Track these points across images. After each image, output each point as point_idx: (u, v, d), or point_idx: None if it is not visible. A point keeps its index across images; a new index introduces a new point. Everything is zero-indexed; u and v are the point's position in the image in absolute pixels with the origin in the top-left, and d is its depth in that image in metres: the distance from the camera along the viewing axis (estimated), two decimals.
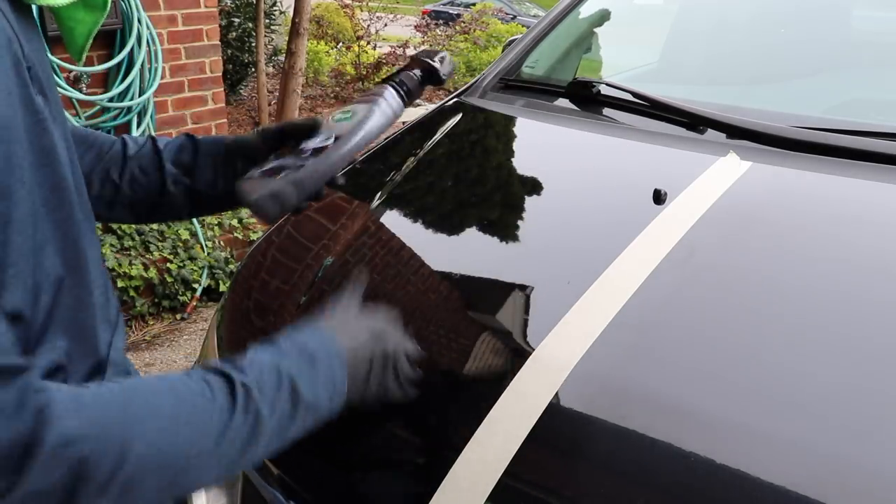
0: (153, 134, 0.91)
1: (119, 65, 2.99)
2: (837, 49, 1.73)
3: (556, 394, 0.86)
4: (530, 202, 1.42)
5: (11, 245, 0.54)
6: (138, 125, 3.09)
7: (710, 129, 1.41)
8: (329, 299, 0.86)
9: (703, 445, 0.78)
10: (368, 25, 6.33)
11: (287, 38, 5.12)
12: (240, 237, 3.48)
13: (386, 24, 6.55)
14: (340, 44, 7.33)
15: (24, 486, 0.50)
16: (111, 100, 2.95)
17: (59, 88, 2.72)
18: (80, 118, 2.90)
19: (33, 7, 0.64)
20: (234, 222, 3.47)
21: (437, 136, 1.68)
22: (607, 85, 1.65)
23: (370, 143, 0.90)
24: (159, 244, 3.12)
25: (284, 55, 5.15)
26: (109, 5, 0.73)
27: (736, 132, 1.37)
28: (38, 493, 0.52)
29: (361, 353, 0.77)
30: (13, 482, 0.50)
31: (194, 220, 3.19)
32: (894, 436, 0.76)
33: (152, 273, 3.02)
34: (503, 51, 2.08)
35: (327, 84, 6.16)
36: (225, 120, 3.63)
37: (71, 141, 0.68)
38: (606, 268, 1.02)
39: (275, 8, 5.92)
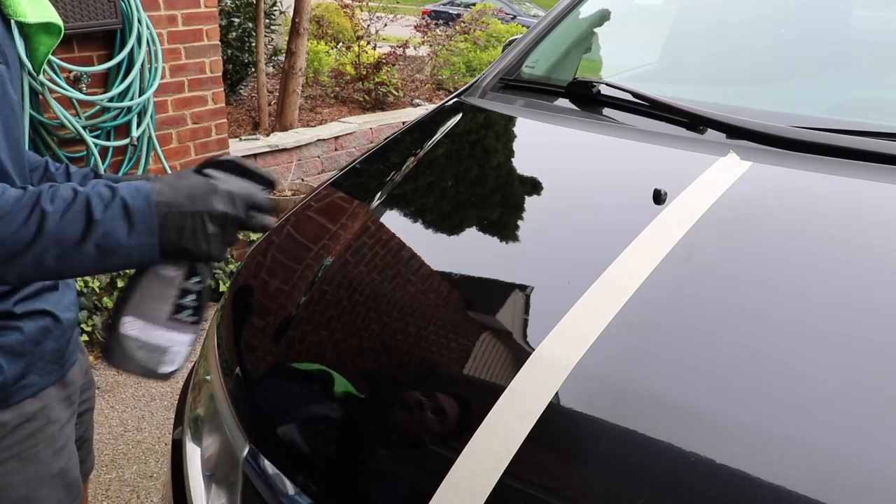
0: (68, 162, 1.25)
1: (119, 65, 2.99)
2: (838, 49, 1.73)
3: (556, 394, 0.86)
4: (530, 202, 1.42)
5: None
6: (138, 125, 3.09)
7: (710, 129, 1.41)
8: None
9: (703, 445, 0.78)
10: (368, 25, 6.31)
11: (287, 38, 5.11)
12: (240, 237, 3.47)
13: (386, 24, 6.54)
14: (340, 44, 7.32)
15: None
16: (111, 100, 2.95)
17: (59, 89, 2.73)
18: (80, 118, 2.90)
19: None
20: None
21: (437, 136, 1.68)
22: (607, 85, 1.65)
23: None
24: None
25: (284, 55, 5.15)
26: (63, 32, 1.02)
27: (736, 132, 1.37)
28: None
29: (177, 208, 0.89)
30: None
31: None
32: (894, 436, 0.76)
33: None
34: (503, 51, 2.08)
35: (327, 84, 6.15)
36: (225, 120, 3.63)
37: (20, 101, 0.95)
38: (606, 268, 1.02)
39: (275, 8, 5.91)
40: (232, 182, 0.96)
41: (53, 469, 1.07)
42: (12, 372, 0.98)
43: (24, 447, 1.02)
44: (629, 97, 1.56)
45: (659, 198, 1.18)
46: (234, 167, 0.99)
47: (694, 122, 1.44)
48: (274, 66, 6.25)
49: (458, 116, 1.76)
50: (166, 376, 0.98)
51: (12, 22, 0.96)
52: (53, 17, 1.00)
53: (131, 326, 0.94)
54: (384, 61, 5.84)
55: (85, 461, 1.30)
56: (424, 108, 5.71)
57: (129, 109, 3.04)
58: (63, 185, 0.87)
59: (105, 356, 0.96)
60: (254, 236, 3.48)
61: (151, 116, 3.14)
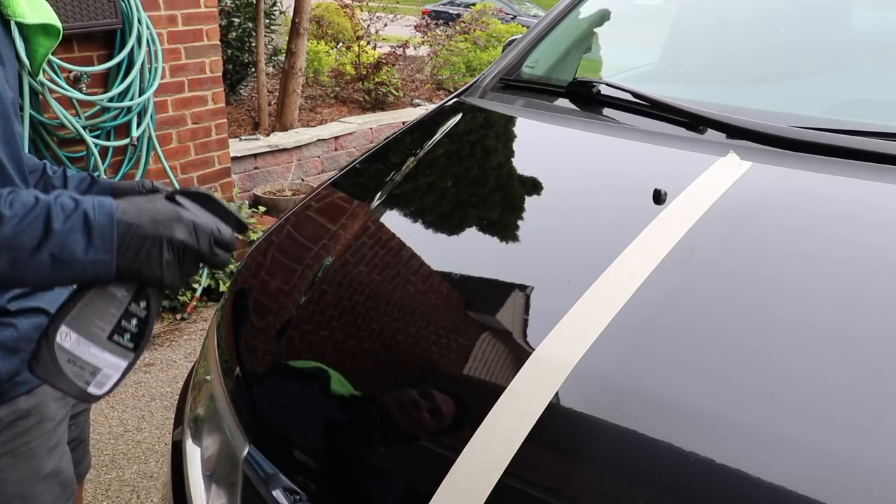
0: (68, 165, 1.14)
1: (119, 65, 2.99)
2: (838, 49, 1.73)
3: (556, 394, 0.86)
4: (530, 202, 1.42)
5: None
6: (138, 125, 3.09)
7: (710, 129, 1.41)
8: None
9: (703, 445, 0.78)
10: (368, 25, 6.31)
11: (287, 38, 5.11)
12: (240, 237, 3.47)
13: (386, 24, 6.54)
14: (340, 44, 7.32)
15: None
16: (111, 100, 2.95)
17: (59, 89, 2.73)
18: (80, 118, 2.90)
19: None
20: None
21: (437, 136, 1.68)
22: (607, 85, 1.65)
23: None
24: None
25: (284, 55, 5.15)
26: (61, 34, 1.03)
27: (736, 132, 1.37)
28: None
29: (137, 230, 0.88)
30: None
31: None
32: (894, 436, 0.76)
33: None
34: (503, 51, 2.08)
35: (327, 84, 6.16)
36: (225, 120, 3.63)
37: (17, 96, 0.97)
38: (606, 268, 1.02)
39: (275, 8, 5.91)
40: (199, 214, 0.94)
41: (48, 467, 1.07)
42: (6, 368, 0.99)
43: (18, 444, 1.03)
44: (629, 97, 1.56)
45: (659, 198, 1.18)
46: (209, 201, 0.98)
47: (694, 122, 1.44)
48: (274, 66, 6.25)
49: (458, 116, 1.76)
50: (92, 397, 0.94)
51: (12, 23, 0.97)
52: (52, 18, 1.01)
53: (66, 337, 0.91)
54: (384, 61, 5.84)
55: (81, 462, 1.30)
56: (424, 108, 5.71)
57: (129, 109, 3.04)
58: (25, 192, 0.86)
59: (31, 364, 0.91)
60: (253, 236, 3.48)
61: (151, 116, 3.14)
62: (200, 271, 3.21)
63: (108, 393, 0.95)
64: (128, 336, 0.95)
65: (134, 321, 0.94)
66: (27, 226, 0.82)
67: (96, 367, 0.93)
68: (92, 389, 0.93)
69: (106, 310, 0.93)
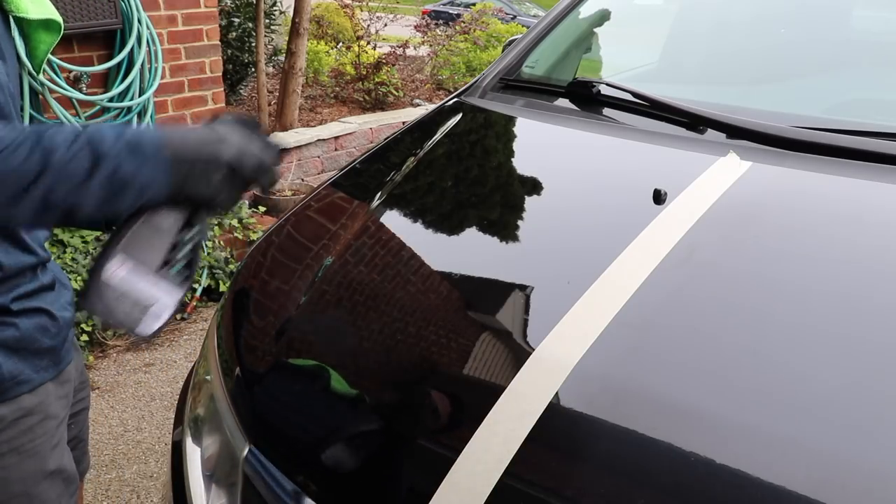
0: None
1: (119, 65, 2.99)
2: (838, 49, 1.73)
3: (556, 394, 0.86)
4: (530, 202, 1.42)
5: None
6: (138, 125, 3.09)
7: (710, 129, 1.41)
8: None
9: (703, 445, 0.78)
10: (368, 25, 6.31)
11: (287, 38, 5.11)
12: (240, 237, 3.48)
13: (386, 24, 6.54)
14: (340, 44, 7.32)
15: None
16: (111, 100, 2.95)
17: (59, 89, 2.74)
18: (80, 118, 2.90)
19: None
20: (234, 222, 3.47)
21: (437, 136, 1.68)
22: (607, 85, 1.65)
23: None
24: None
25: (284, 55, 5.15)
26: (62, 30, 1.02)
27: (736, 132, 1.37)
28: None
29: (186, 150, 0.86)
30: None
31: None
32: (894, 436, 0.76)
33: None
34: (503, 51, 2.08)
35: (327, 84, 6.16)
36: None
37: (17, 93, 0.96)
38: (606, 268, 1.02)
39: (275, 8, 5.91)
40: (241, 137, 0.92)
41: (52, 465, 1.08)
42: (7, 367, 0.99)
43: (23, 442, 1.03)
44: (629, 97, 1.56)
45: (659, 198, 1.19)
46: (251, 125, 0.95)
47: (694, 122, 1.44)
48: (274, 66, 6.25)
49: (458, 116, 1.76)
50: (145, 337, 0.92)
51: (11, 20, 0.96)
52: (53, 14, 1.00)
53: (115, 274, 0.87)
54: (384, 61, 5.84)
55: (80, 461, 1.30)
56: (424, 108, 5.71)
57: (129, 109, 3.04)
58: (66, 125, 0.85)
59: (80, 300, 0.88)
60: (253, 236, 3.48)
61: (151, 116, 3.15)
62: (201, 271, 3.20)
63: (157, 332, 0.92)
64: (177, 267, 0.92)
65: (181, 252, 0.91)
66: (76, 153, 0.81)
67: (145, 304, 0.90)
68: (142, 328, 0.90)
69: (155, 241, 0.89)
